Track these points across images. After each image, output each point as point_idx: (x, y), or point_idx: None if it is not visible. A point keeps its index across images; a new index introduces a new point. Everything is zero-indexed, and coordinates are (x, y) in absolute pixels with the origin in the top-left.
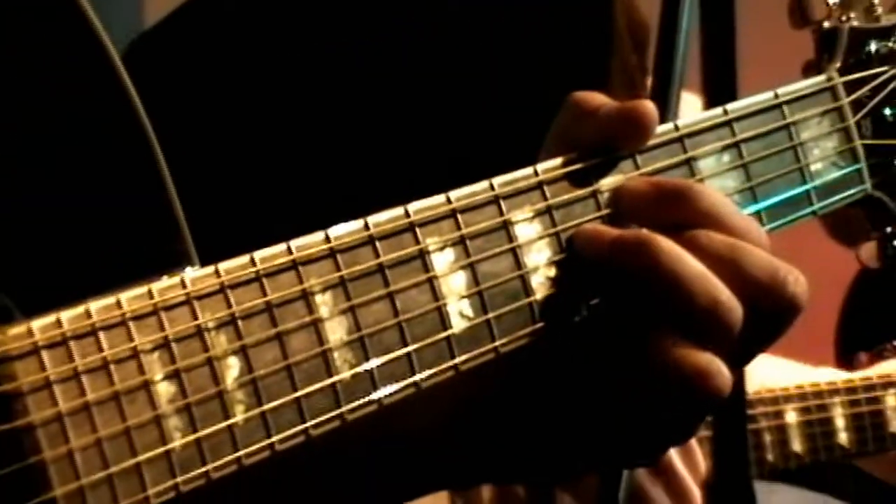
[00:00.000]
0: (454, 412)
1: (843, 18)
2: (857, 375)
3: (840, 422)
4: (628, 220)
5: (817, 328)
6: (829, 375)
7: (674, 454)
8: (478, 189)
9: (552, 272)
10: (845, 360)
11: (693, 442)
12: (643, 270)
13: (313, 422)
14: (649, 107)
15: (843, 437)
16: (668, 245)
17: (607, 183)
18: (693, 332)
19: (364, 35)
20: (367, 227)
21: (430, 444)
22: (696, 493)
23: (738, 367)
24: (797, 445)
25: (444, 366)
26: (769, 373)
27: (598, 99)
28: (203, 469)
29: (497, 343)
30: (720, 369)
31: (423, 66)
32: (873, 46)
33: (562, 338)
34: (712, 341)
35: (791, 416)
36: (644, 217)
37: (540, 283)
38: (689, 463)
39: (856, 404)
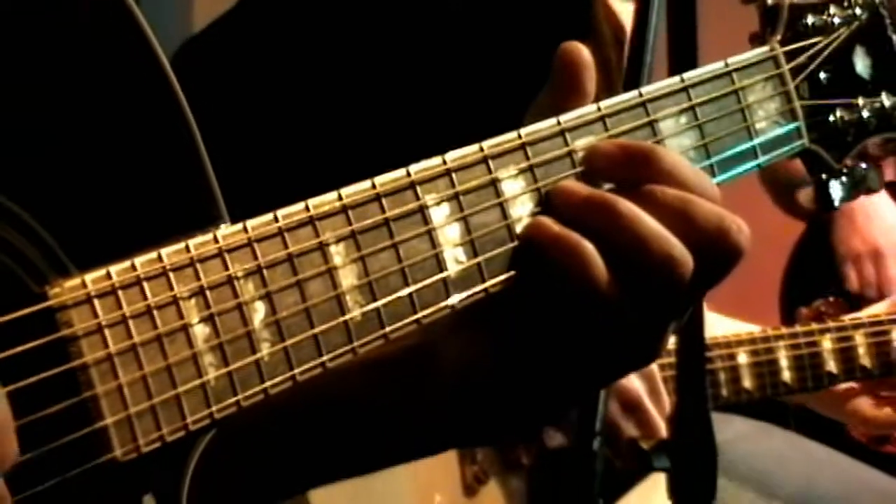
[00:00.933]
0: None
1: None
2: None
3: (784, 362)
4: (599, 178)
5: (764, 290)
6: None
7: (643, 393)
8: (469, 151)
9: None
10: (788, 316)
11: (659, 383)
12: (607, 228)
13: (329, 356)
14: (576, 47)
15: (786, 376)
16: (627, 207)
17: (581, 144)
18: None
19: (375, 31)
20: (374, 186)
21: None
22: (661, 425)
23: (688, 305)
24: (748, 383)
25: (440, 305)
26: (723, 330)
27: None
28: (234, 399)
29: (486, 284)
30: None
31: (424, 56)
32: (810, 19)
33: (542, 278)
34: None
35: (742, 358)
36: (612, 175)
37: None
38: (656, 400)
39: (797, 347)
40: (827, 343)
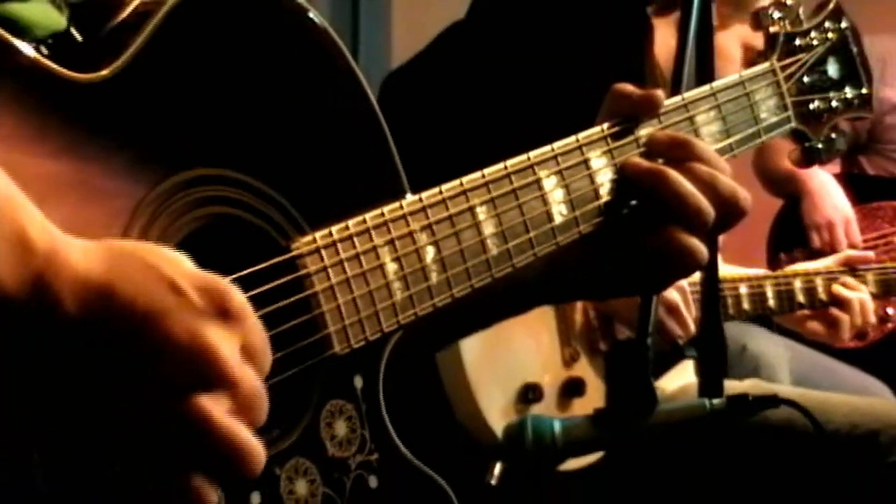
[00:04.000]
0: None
1: (781, 24)
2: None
3: (770, 293)
4: (655, 156)
5: (756, 247)
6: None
7: (679, 301)
8: (570, 140)
9: (612, 186)
10: (772, 260)
11: (689, 296)
12: (660, 187)
13: (475, 280)
14: (659, 94)
15: (771, 302)
16: (674, 174)
17: (643, 134)
18: (687, 224)
19: (528, 67)
20: (505, 168)
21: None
22: (691, 323)
23: (710, 240)
24: (746, 305)
25: (549, 243)
26: (730, 272)
27: (629, 88)
28: (413, 311)
29: (580, 228)
30: (701, 247)
31: (541, 90)
32: (798, 42)
33: (617, 222)
34: (697, 229)
35: (743, 289)
36: (664, 154)
37: (605, 192)
38: (687, 307)
39: (778, 285)
40: (798, 283)
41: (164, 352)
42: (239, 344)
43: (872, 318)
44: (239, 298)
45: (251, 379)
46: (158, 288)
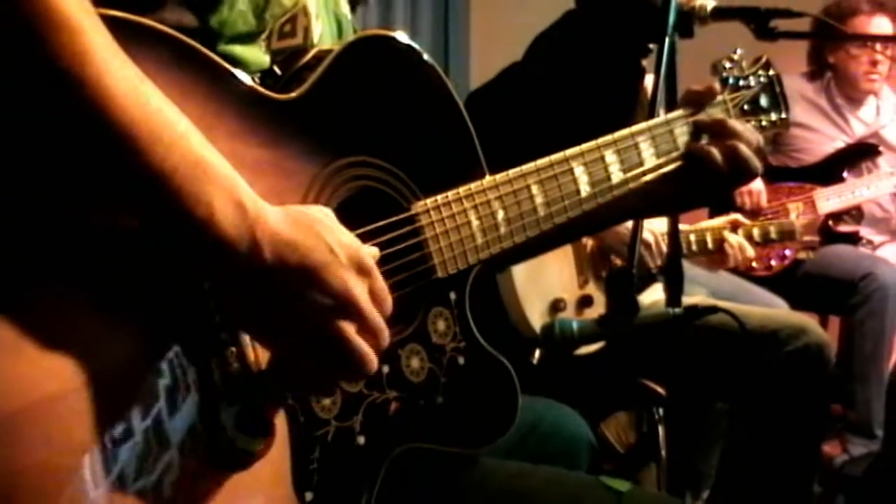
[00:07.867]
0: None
1: (731, 71)
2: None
3: (709, 239)
4: (704, 133)
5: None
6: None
7: (653, 244)
8: (591, 144)
9: (654, 158)
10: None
11: (661, 240)
12: (700, 156)
13: (529, 231)
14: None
15: (710, 245)
16: (707, 149)
17: (643, 140)
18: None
19: (564, 94)
20: (550, 160)
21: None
22: (657, 257)
23: (728, 189)
24: (694, 248)
25: (578, 208)
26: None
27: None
28: (489, 251)
29: (598, 199)
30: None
31: (576, 102)
32: (741, 83)
33: (673, 169)
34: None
35: (692, 237)
36: (709, 131)
37: (649, 161)
38: (659, 248)
39: (715, 234)
40: (728, 233)
41: (321, 290)
42: (368, 289)
43: (750, 253)
44: (370, 260)
45: (375, 313)
46: (322, 248)
